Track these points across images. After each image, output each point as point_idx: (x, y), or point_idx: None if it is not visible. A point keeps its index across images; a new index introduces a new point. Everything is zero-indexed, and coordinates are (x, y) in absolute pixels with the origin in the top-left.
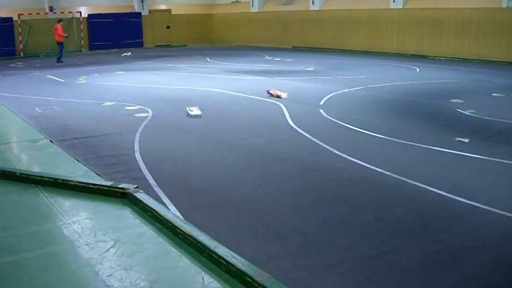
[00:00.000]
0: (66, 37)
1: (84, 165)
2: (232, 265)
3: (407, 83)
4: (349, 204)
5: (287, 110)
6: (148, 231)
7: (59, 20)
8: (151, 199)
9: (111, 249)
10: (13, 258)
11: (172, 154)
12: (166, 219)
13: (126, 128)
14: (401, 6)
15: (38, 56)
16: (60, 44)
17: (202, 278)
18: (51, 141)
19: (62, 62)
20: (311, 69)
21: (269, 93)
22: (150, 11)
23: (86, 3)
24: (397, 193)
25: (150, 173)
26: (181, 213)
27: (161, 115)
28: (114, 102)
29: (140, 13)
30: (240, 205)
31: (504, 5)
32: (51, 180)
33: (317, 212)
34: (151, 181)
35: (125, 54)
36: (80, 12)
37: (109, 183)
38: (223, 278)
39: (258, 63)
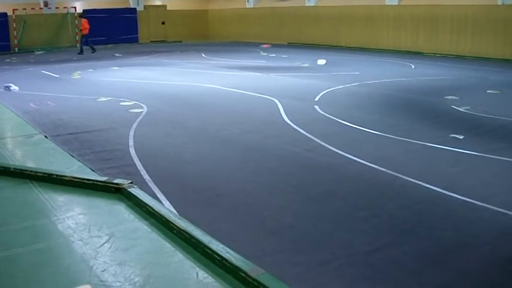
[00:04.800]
0: None
1: (79, 160)
2: (227, 260)
3: (403, 80)
4: (344, 200)
5: (282, 106)
6: (142, 226)
7: None
8: (145, 194)
9: (106, 244)
10: (7, 253)
11: (167, 149)
12: (160, 215)
13: (121, 123)
14: (396, 3)
15: (33, 51)
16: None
17: (197, 273)
18: (45, 136)
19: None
20: (306, 65)
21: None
22: (145, 7)
23: None
24: (392, 189)
25: (145, 168)
26: (175, 209)
27: (156, 110)
28: (109, 98)
29: (135, 8)
30: (234, 201)
31: (500, 2)
32: (46, 175)
33: (312, 207)
34: (146, 176)
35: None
36: (75, 8)
37: (103, 179)
38: (218, 273)
39: (253, 59)
